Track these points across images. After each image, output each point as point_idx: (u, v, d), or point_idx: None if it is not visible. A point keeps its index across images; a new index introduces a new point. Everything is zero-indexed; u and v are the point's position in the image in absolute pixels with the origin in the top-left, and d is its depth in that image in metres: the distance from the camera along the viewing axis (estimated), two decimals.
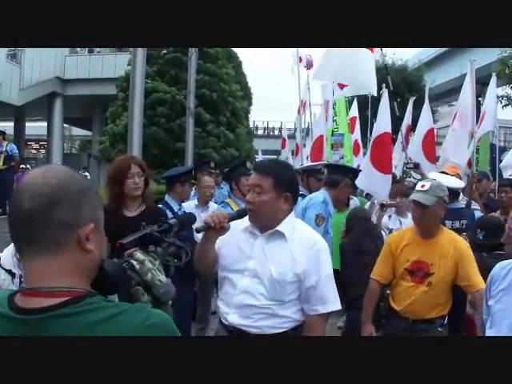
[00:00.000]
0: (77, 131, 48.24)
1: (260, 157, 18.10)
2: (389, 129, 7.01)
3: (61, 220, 1.22)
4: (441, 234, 3.95)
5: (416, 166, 7.65)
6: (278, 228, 2.84)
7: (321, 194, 5.38)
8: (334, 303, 2.90)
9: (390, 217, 6.40)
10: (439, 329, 3.86)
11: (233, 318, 2.81)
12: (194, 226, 2.74)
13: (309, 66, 14.30)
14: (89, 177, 30.02)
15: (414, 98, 8.34)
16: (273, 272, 2.76)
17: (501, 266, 2.73)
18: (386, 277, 4.07)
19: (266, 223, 2.85)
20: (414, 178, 9.17)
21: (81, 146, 51.70)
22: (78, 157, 39.49)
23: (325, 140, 11.66)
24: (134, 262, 1.78)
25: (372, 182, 6.68)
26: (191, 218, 2.62)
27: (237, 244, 2.87)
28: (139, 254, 1.82)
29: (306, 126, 15.81)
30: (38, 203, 1.21)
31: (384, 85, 7.77)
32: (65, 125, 37.50)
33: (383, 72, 9.62)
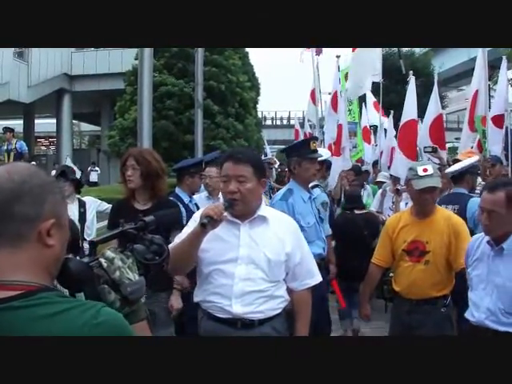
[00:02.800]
0: (86, 127, 48.37)
1: (267, 148, 17.96)
2: (415, 115, 7.06)
3: (22, 214, 1.23)
4: (436, 212, 4.06)
5: (434, 150, 7.59)
6: (260, 213, 2.94)
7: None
8: (319, 275, 3.18)
9: (406, 204, 6.38)
10: (442, 309, 3.93)
11: (236, 307, 2.81)
12: (200, 222, 2.73)
13: (318, 52, 14.05)
14: (99, 171, 30.14)
15: (413, 78, 8.31)
16: (268, 254, 2.85)
17: (474, 240, 3.38)
18: (386, 260, 4.21)
19: (250, 210, 2.92)
20: (434, 163, 9.14)
21: (90, 141, 51.80)
22: (88, 152, 39.54)
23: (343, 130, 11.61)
24: (103, 260, 1.73)
25: (399, 167, 6.68)
26: (173, 218, 2.61)
27: (217, 235, 2.84)
28: (109, 252, 1.77)
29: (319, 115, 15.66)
30: (0, 198, 1.23)
31: (411, 72, 7.78)
32: (73, 121, 37.61)
33: (393, 58, 9.59)
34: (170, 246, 2.84)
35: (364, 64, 6.90)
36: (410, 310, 3.97)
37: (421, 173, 3.95)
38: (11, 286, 1.21)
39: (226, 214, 2.80)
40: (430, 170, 3.96)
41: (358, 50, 6.97)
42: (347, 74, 12.22)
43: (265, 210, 3.01)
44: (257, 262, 2.84)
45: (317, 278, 3.12)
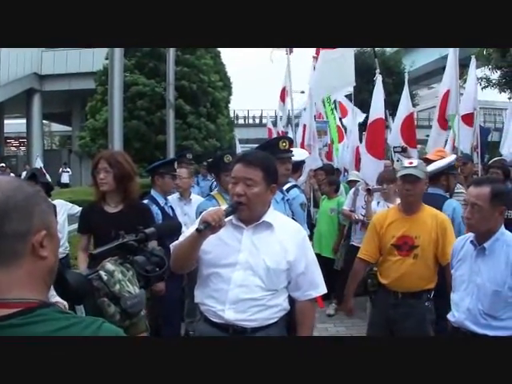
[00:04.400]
0: (56, 127, 47.82)
1: (238, 147, 17.95)
2: (382, 114, 7.08)
3: (12, 231, 1.21)
4: (422, 210, 4.18)
5: (404, 150, 7.68)
6: (265, 219, 2.85)
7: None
8: (324, 286, 3.02)
9: (378, 203, 6.42)
10: (426, 303, 4.06)
11: (228, 314, 2.74)
12: (196, 227, 2.68)
13: (289, 50, 14.05)
14: (70, 172, 29.80)
15: (380, 77, 8.38)
16: (267, 262, 2.76)
17: (459, 240, 3.45)
18: (373, 255, 4.27)
19: (255, 215, 2.83)
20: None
21: (61, 141, 51.21)
22: (59, 153, 38.98)
23: (307, 129, 11.64)
24: (103, 273, 1.74)
25: (366, 167, 6.70)
26: (172, 227, 2.59)
27: (219, 238, 2.78)
28: (109, 265, 1.78)
29: (288, 113, 15.71)
30: None
31: (377, 71, 7.82)
32: (44, 121, 37.16)
33: (363, 57, 9.64)
34: (173, 244, 2.88)
35: (334, 70, 6.89)
36: (395, 303, 4.07)
37: (406, 164, 4.23)
38: (10, 303, 1.19)
39: (228, 218, 2.74)
40: (415, 163, 4.17)
41: (329, 53, 6.93)
42: None
43: (272, 216, 2.90)
44: (255, 268, 2.76)
45: (321, 290, 3.01)
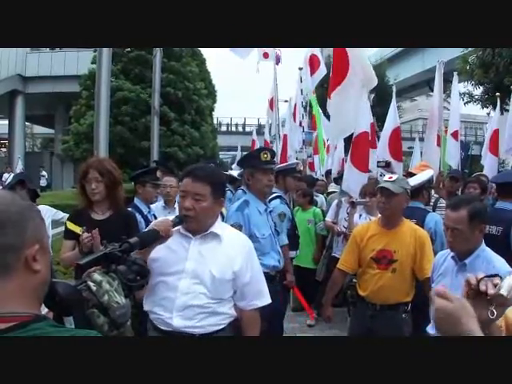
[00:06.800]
0: (38, 129, 47.35)
1: (222, 154, 17.91)
2: (367, 128, 7.13)
3: (6, 244, 1.21)
4: (402, 224, 4.25)
5: (387, 165, 7.78)
6: (213, 230, 2.93)
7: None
8: (268, 296, 3.13)
9: (360, 215, 6.49)
10: (403, 315, 4.15)
11: (176, 321, 2.80)
12: None
13: (277, 60, 14.11)
14: (46, 176, 29.37)
15: (372, 96, 8.40)
16: (213, 271, 2.83)
17: (440, 255, 3.52)
18: (352, 266, 4.35)
19: (203, 227, 2.91)
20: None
21: (43, 144, 50.71)
22: (40, 155, 38.54)
23: (288, 140, 11.71)
24: (91, 284, 1.75)
25: (350, 179, 6.76)
26: (153, 235, 2.62)
27: (168, 247, 2.84)
28: (96, 275, 1.79)
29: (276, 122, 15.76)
30: None
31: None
32: (26, 123, 36.76)
33: None
34: None
35: (345, 110, 6.93)
36: (373, 315, 4.16)
37: (386, 178, 4.39)
38: (3, 317, 1.19)
39: (175, 229, 2.80)
40: (394, 178, 4.28)
41: (335, 96, 6.97)
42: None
43: (219, 227, 3.00)
44: (201, 277, 2.83)
45: (265, 300, 3.10)
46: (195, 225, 2.87)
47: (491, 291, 1.53)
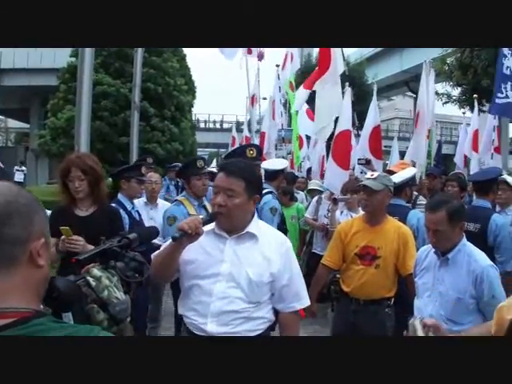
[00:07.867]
0: (13, 123, 46.63)
1: (200, 151, 17.85)
2: (349, 126, 7.25)
3: (13, 236, 1.19)
4: (386, 221, 4.36)
5: (368, 162, 7.89)
6: (249, 229, 2.80)
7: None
8: (307, 298, 2.99)
9: (341, 212, 6.57)
10: (386, 309, 4.26)
11: (210, 327, 2.69)
12: (171, 236, 2.67)
13: (260, 57, 14.05)
14: (25, 171, 29.01)
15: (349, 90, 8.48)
16: (250, 274, 2.71)
17: (422, 250, 3.63)
18: (336, 262, 4.43)
19: (236, 226, 2.79)
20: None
21: (17, 138, 49.95)
22: (14, 150, 37.91)
23: (266, 137, 11.78)
24: (90, 279, 1.73)
25: (332, 176, 6.85)
26: (151, 232, 2.58)
27: (202, 248, 2.75)
28: (96, 271, 1.77)
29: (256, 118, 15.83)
30: None
31: (347, 84, 7.98)
32: (0, 116, 36.22)
33: None
34: (154, 253, 2.86)
35: (327, 106, 7.06)
36: (357, 310, 4.26)
37: (368, 176, 4.54)
38: (4, 313, 1.17)
39: (210, 227, 2.73)
40: (375, 176, 4.41)
41: (319, 92, 7.17)
42: (291, 83, 12.48)
43: (256, 227, 2.84)
44: (237, 280, 2.70)
45: (304, 302, 2.95)
46: (227, 222, 2.75)
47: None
